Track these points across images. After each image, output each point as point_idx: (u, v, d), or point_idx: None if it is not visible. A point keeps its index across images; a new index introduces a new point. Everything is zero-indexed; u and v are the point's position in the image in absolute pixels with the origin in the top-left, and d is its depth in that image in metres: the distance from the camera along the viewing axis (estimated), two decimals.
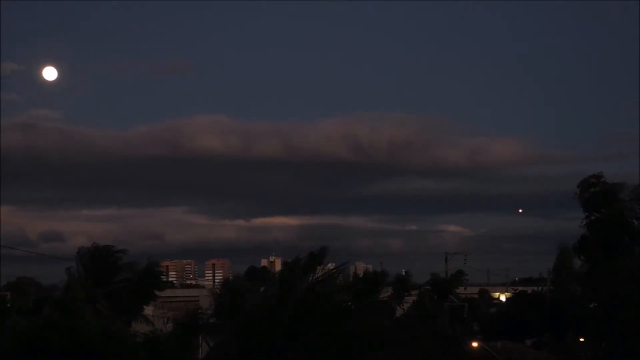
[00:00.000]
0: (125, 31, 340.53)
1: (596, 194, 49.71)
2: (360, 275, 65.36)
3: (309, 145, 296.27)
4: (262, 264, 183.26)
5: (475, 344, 58.98)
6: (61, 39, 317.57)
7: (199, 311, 43.49)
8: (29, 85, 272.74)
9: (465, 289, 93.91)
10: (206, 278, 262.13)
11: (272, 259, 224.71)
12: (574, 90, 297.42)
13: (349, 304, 26.74)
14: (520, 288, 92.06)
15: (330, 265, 30.69)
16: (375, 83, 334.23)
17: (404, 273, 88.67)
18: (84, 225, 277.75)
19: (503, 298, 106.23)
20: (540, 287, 75.24)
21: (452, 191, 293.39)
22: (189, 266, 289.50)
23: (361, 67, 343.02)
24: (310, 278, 27.05)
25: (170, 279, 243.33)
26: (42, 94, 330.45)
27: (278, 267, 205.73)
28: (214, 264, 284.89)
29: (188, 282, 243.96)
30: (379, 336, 25.33)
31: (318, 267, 28.01)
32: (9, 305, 53.03)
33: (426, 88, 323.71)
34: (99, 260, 54.63)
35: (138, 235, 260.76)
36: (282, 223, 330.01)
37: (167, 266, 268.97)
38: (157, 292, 59.57)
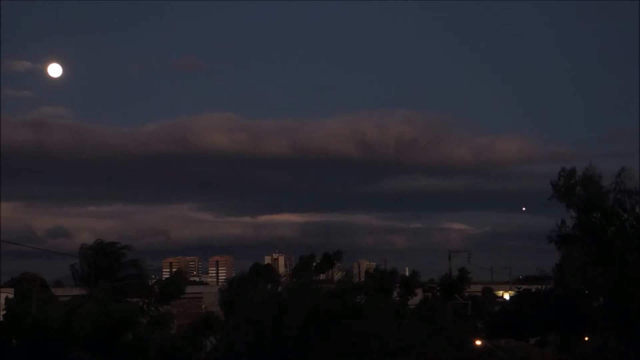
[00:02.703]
0: (136, 30, 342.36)
1: (578, 191, 49.00)
2: (372, 271, 65.17)
3: (315, 143, 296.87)
4: (265, 261, 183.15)
5: (478, 342, 58.92)
6: (73, 37, 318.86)
7: (207, 310, 43.55)
8: (41, 83, 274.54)
9: (469, 286, 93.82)
10: (210, 275, 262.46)
11: (275, 256, 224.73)
12: (580, 88, 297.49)
13: (363, 304, 26.62)
14: (524, 286, 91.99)
15: (338, 264, 30.71)
16: (381, 81, 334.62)
17: (407, 273, 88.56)
18: (90, 222, 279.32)
19: (507, 296, 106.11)
20: (544, 286, 75.15)
21: (457, 189, 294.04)
22: (193, 263, 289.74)
23: (368, 65, 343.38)
24: (324, 277, 26.99)
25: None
26: (53, 92, 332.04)
27: (282, 264, 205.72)
28: (217, 261, 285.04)
29: (192, 278, 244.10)
30: (393, 337, 25.22)
31: (330, 269, 27.99)
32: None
33: (432, 86, 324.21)
34: (102, 257, 54.62)
35: (144, 232, 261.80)
36: (287, 220, 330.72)
37: (170, 263, 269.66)
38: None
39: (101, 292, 36.57)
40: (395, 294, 71.37)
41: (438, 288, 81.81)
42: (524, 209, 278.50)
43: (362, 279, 31.41)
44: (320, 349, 22.92)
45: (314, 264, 43.54)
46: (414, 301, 76.53)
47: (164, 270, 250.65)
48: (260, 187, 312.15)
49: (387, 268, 76.50)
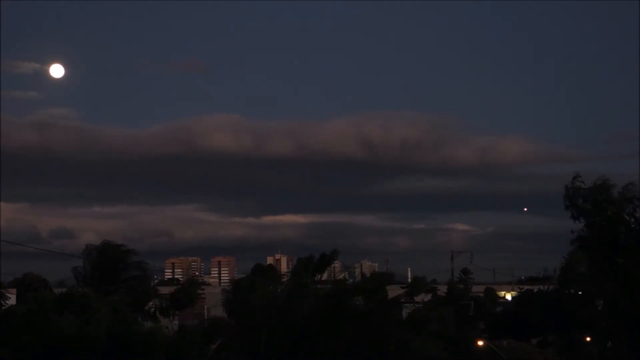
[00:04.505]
0: (142, 31, 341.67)
1: (587, 196, 48.96)
2: (368, 276, 65.30)
3: (319, 144, 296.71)
4: (267, 262, 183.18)
5: (481, 343, 58.92)
6: (79, 38, 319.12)
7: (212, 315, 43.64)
8: (44, 84, 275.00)
9: (471, 287, 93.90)
10: (212, 275, 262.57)
11: (277, 256, 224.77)
12: (583, 90, 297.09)
13: (361, 304, 26.64)
14: (526, 287, 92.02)
15: (338, 265, 30.67)
16: (385, 82, 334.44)
17: (409, 274, 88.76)
18: (94, 222, 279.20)
19: (509, 297, 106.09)
20: (545, 287, 75.18)
21: (460, 190, 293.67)
22: (195, 263, 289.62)
23: (372, 66, 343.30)
24: (321, 278, 27.00)
25: (176, 276, 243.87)
26: (56, 93, 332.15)
27: (284, 264, 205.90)
28: (219, 262, 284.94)
29: (194, 279, 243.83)
30: (390, 337, 25.34)
31: (327, 268, 28.01)
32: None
33: (436, 87, 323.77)
34: (107, 258, 54.64)
35: (148, 233, 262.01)
36: (291, 221, 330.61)
37: (173, 263, 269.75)
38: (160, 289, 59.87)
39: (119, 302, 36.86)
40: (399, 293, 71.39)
41: (444, 293, 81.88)
42: (525, 209, 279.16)
43: (359, 280, 31.11)
44: (318, 350, 23.00)
45: (312, 264, 43.49)
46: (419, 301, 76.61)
47: (166, 270, 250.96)
48: (265, 188, 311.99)
49: (388, 269, 76.55)
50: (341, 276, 34.62)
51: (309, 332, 23.63)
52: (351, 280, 30.18)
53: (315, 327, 23.68)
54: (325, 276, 37.03)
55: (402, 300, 68.65)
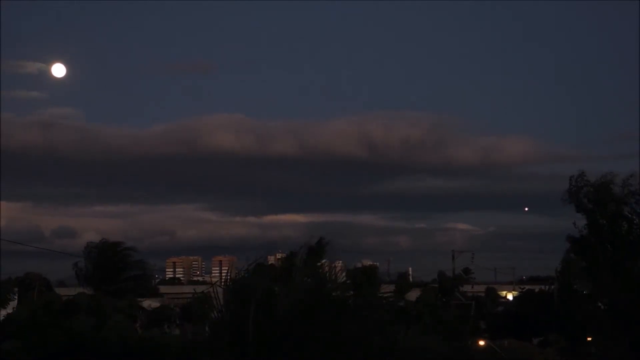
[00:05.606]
0: (142, 30, 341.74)
1: (589, 194, 48.80)
2: (351, 269, 64.90)
3: (321, 143, 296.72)
4: (269, 262, 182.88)
5: (481, 343, 58.89)
6: (80, 38, 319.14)
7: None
8: (46, 84, 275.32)
9: (472, 287, 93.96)
10: (213, 275, 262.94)
11: (278, 255, 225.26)
12: (585, 90, 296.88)
13: (349, 299, 26.56)
14: (527, 287, 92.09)
15: (336, 262, 30.44)
16: (386, 82, 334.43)
17: (410, 273, 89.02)
18: (96, 222, 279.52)
19: (510, 297, 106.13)
20: (547, 286, 75.18)
21: (461, 189, 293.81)
22: (196, 263, 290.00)
23: (372, 66, 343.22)
24: (309, 273, 26.84)
25: (177, 275, 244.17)
26: (59, 93, 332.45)
27: None
28: (220, 261, 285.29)
29: (195, 278, 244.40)
30: (380, 333, 25.30)
31: (317, 263, 27.79)
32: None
33: (438, 87, 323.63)
34: (107, 257, 54.76)
35: (149, 232, 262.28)
36: (293, 220, 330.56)
37: (174, 262, 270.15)
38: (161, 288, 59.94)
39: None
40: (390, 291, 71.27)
41: (437, 286, 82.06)
42: (526, 209, 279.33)
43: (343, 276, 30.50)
44: (299, 345, 23.00)
45: (292, 259, 43.14)
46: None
47: (167, 270, 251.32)
48: (266, 187, 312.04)
49: (389, 268, 76.56)
50: (342, 276, 34.41)
51: (292, 327, 23.65)
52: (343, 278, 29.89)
53: (298, 323, 23.66)
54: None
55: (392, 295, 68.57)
